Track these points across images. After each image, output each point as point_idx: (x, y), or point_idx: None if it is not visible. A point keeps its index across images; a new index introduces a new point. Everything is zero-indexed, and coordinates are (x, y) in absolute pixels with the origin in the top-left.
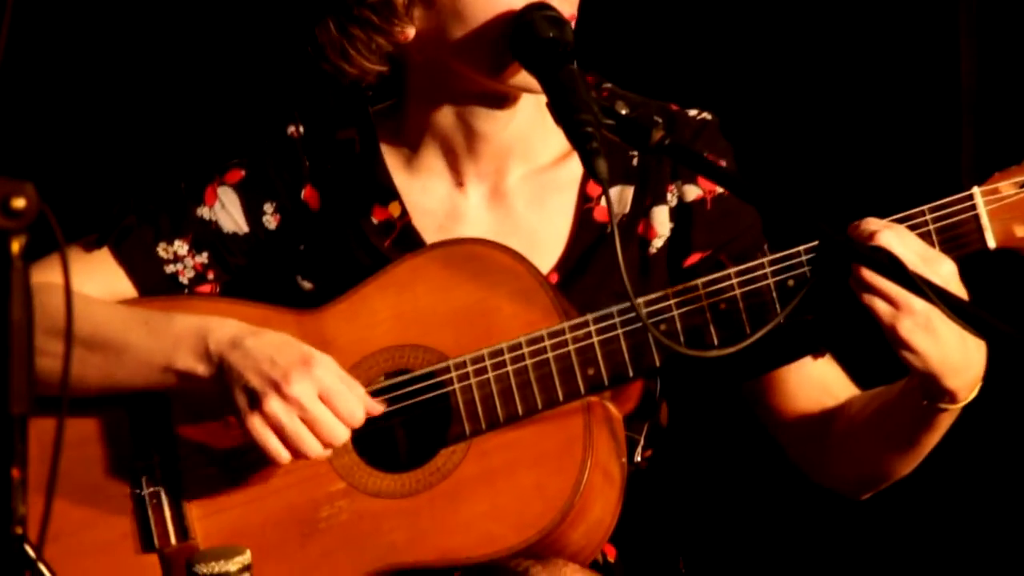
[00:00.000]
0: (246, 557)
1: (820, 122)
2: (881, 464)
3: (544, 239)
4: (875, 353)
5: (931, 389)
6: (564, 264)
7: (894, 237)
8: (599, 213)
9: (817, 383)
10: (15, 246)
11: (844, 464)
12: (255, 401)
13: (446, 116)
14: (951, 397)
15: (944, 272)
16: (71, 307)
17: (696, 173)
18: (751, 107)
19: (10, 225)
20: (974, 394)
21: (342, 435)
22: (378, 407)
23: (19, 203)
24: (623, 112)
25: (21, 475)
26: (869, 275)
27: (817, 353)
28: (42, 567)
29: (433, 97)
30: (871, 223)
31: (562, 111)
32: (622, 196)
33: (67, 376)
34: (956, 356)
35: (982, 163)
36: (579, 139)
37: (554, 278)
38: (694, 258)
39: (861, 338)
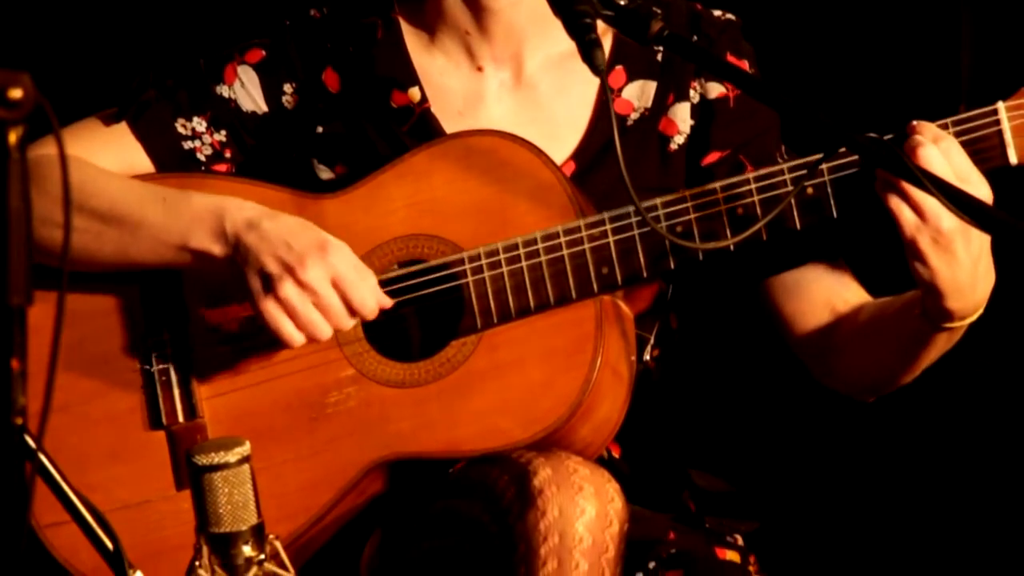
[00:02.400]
0: (245, 448)
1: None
2: (879, 371)
3: (564, 127)
4: (890, 261)
5: (931, 305)
6: (582, 153)
7: (936, 153)
8: (620, 105)
9: (829, 287)
10: (12, 136)
11: (845, 367)
12: (269, 285)
13: None
14: (948, 316)
15: (981, 195)
16: (68, 199)
17: (701, 67)
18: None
19: (7, 116)
20: (971, 319)
21: (349, 323)
22: (387, 300)
23: (16, 93)
24: (622, 3)
25: (21, 366)
26: (903, 181)
27: (833, 257)
28: (43, 457)
29: None
30: (924, 128)
31: (560, 1)
32: (644, 91)
33: (67, 249)
34: (965, 280)
35: (981, 55)
36: (577, 29)
37: (571, 167)
38: (712, 157)
39: (878, 245)
